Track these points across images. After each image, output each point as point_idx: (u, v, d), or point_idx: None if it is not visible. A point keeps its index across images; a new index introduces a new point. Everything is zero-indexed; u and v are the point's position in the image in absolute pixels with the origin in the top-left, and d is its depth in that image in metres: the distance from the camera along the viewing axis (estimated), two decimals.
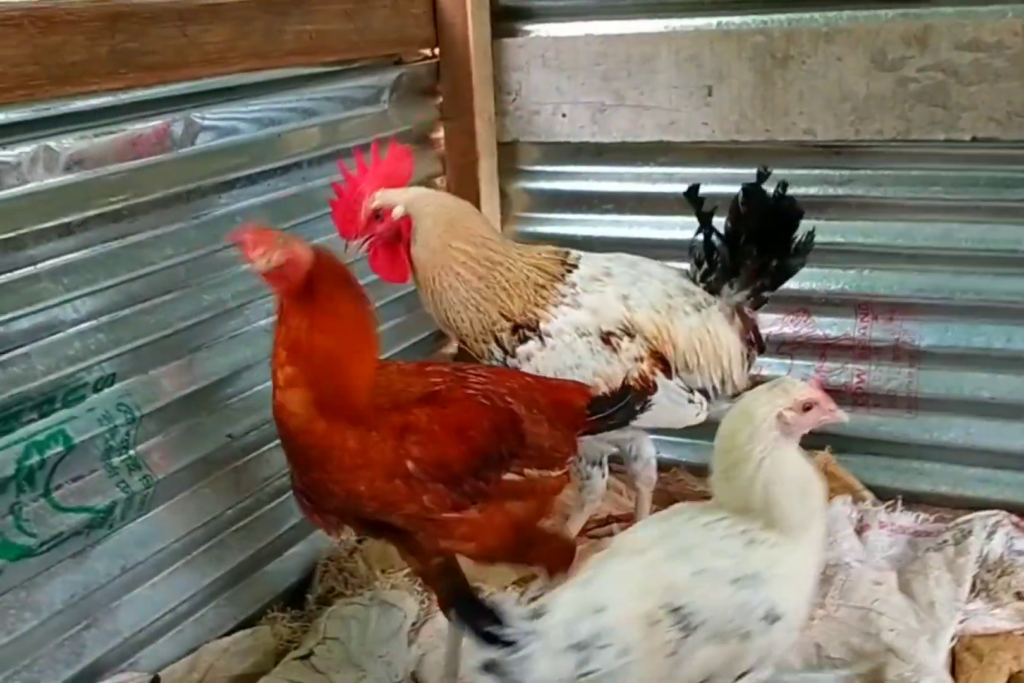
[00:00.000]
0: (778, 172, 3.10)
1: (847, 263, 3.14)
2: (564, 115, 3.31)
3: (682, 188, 3.13)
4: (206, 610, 2.64)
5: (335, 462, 1.96)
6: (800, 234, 2.59)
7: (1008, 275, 2.97)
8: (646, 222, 3.34)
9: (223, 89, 2.63)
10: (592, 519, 3.15)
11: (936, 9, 2.86)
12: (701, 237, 2.64)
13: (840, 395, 3.21)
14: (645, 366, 2.53)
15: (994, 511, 2.91)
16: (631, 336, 2.52)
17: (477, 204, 3.36)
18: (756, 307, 2.71)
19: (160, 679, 2.46)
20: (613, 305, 2.54)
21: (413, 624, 2.62)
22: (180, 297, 2.53)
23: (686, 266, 2.74)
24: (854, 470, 3.18)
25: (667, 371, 2.57)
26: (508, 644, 1.70)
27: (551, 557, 2.27)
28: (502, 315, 2.48)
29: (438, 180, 3.42)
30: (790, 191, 3.08)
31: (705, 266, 2.67)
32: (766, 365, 3.29)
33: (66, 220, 2.26)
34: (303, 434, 1.97)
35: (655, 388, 2.55)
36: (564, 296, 2.51)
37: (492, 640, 1.70)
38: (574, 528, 2.85)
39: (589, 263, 2.61)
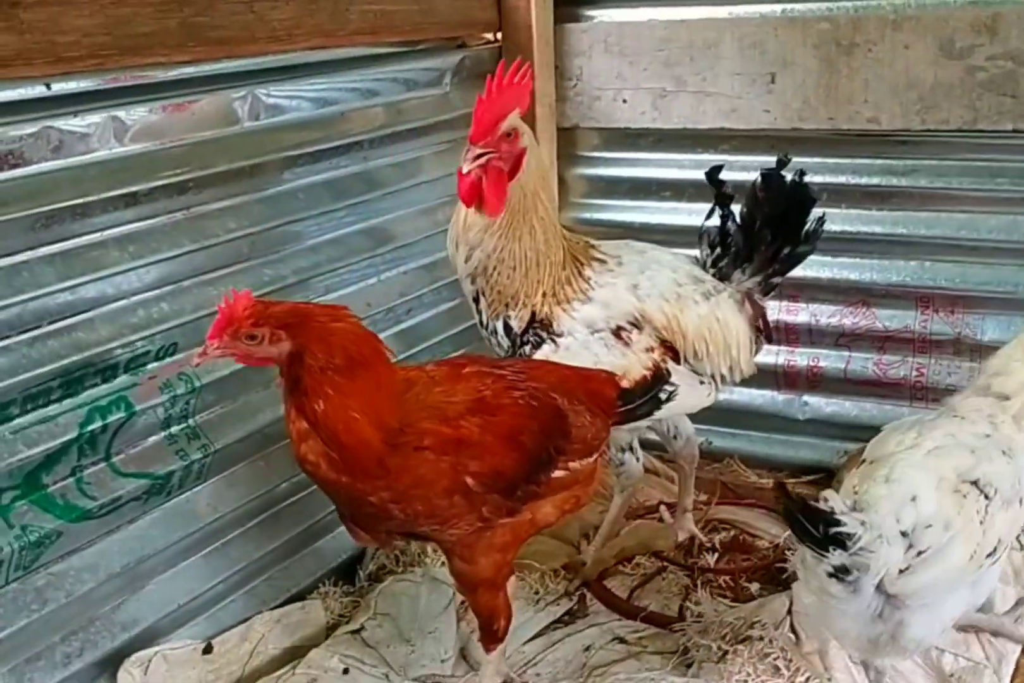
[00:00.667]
0: (840, 161, 3.12)
1: (909, 254, 3.10)
2: (625, 101, 3.31)
3: (746, 176, 3.14)
4: (259, 582, 2.66)
5: (380, 494, 1.94)
6: (811, 221, 2.60)
7: None
8: (703, 210, 3.29)
9: (288, 67, 2.65)
10: (642, 505, 3.15)
11: None
12: (715, 221, 2.66)
13: (899, 389, 3.19)
14: (656, 355, 2.52)
15: None
16: (640, 328, 2.51)
17: None
18: (765, 294, 2.71)
19: (213, 647, 2.48)
20: (624, 297, 2.51)
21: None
22: (241, 270, 2.55)
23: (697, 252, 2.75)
24: None
25: (677, 359, 2.57)
26: (843, 544, 1.88)
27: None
28: (536, 291, 2.45)
29: None
30: (854, 180, 3.10)
31: (718, 250, 2.67)
32: (824, 356, 3.27)
33: (132, 190, 2.29)
34: (331, 483, 1.96)
35: (669, 375, 2.55)
36: (577, 293, 2.48)
37: (828, 545, 1.88)
38: (616, 512, 2.84)
39: (603, 251, 2.60)
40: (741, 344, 2.65)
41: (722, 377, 2.67)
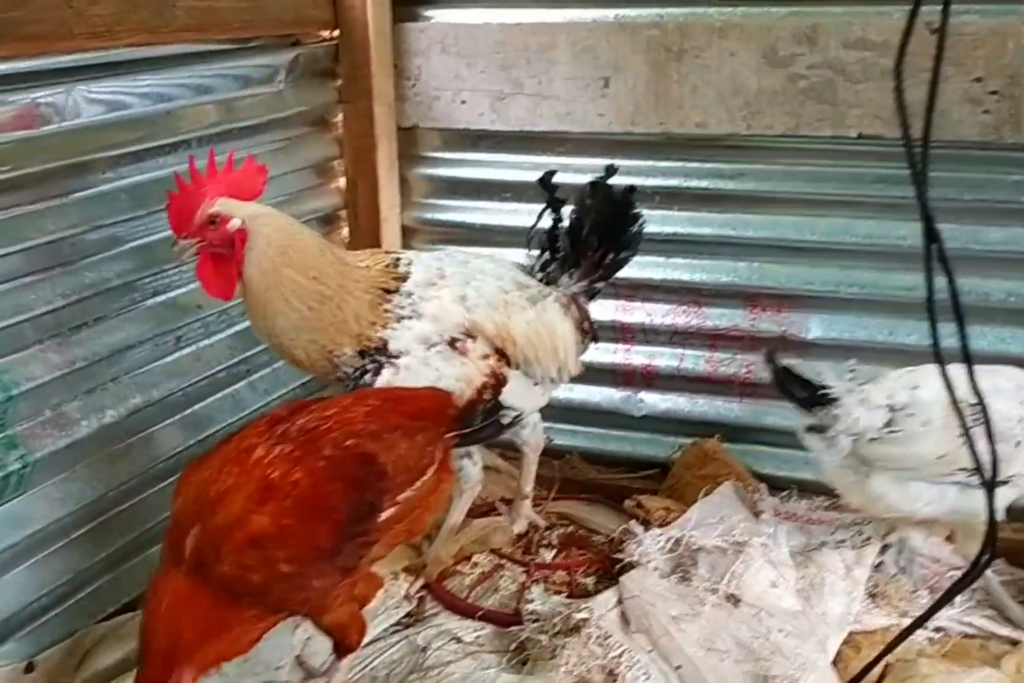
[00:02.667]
0: (671, 164, 3.19)
1: (737, 256, 3.19)
2: (464, 102, 3.32)
3: (581, 178, 3.19)
4: (85, 594, 2.58)
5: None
6: (633, 229, 2.72)
7: (893, 270, 3.04)
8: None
9: (112, 63, 2.57)
10: (484, 501, 3.17)
11: (825, 8, 2.92)
12: (546, 224, 2.73)
13: (730, 385, 3.28)
14: (492, 361, 2.55)
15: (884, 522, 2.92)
16: (473, 338, 2.53)
17: (375, 189, 3.37)
18: (590, 298, 2.79)
19: (35, 665, 2.40)
20: (452, 309, 2.52)
21: None
22: (61, 274, 2.46)
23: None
24: (743, 458, 3.24)
25: (510, 364, 2.61)
26: (826, 404, 2.46)
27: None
28: (338, 344, 2.41)
29: (335, 163, 3.39)
30: (685, 183, 3.18)
31: (547, 255, 2.74)
32: (659, 355, 3.34)
33: None
34: None
35: (506, 380, 2.59)
36: (403, 308, 2.47)
37: (810, 404, 2.49)
38: (457, 516, 2.86)
39: (421, 267, 2.57)
40: (568, 347, 2.71)
41: (552, 378, 2.72)
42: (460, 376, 2.48)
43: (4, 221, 2.33)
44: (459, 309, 2.53)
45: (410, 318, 2.46)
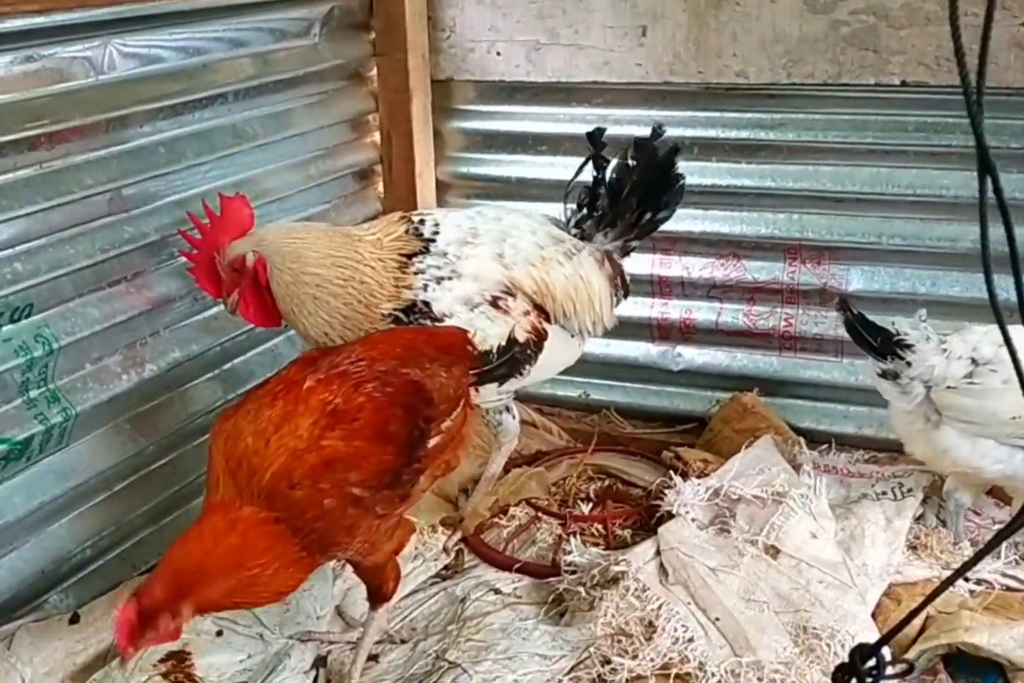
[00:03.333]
0: (710, 115, 3.15)
1: (777, 207, 3.15)
2: (499, 53, 3.28)
3: (618, 130, 3.16)
4: (128, 546, 2.62)
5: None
6: (673, 191, 2.72)
7: (935, 220, 3.00)
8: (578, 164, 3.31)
9: (146, 16, 2.55)
10: (519, 454, 3.17)
11: None
12: (585, 178, 2.74)
13: (768, 339, 3.26)
14: (533, 317, 2.56)
15: (929, 469, 2.88)
16: (513, 296, 2.53)
17: (410, 143, 3.35)
18: (624, 254, 2.79)
19: (80, 617, 2.43)
20: (491, 267, 2.52)
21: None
22: (100, 228, 2.47)
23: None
24: (782, 412, 3.22)
25: (548, 319, 2.62)
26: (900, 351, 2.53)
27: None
28: (371, 320, 2.42)
29: (371, 117, 3.37)
30: (724, 134, 3.14)
31: (584, 211, 2.75)
32: (697, 309, 3.32)
33: None
34: None
35: (546, 335, 2.60)
36: (439, 268, 2.46)
37: (884, 352, 2.55)
38: (494, 468, 2.87)
39: (451, 226, 2.56)
40: (603, 300, 2.72)
41: (588, 331, 2.73)
42: (503, 335, 2.49)
43: (43, 176, 2.34)
44: (498, 267, 2.52)
45: (449, 278, 2.46)
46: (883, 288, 3.10)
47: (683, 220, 3.19)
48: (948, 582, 1.33)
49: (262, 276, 2.39)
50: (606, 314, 2.74)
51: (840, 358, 3.18)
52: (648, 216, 2.73)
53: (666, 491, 2.81)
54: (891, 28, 2.86)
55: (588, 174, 2.79)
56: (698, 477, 2.86)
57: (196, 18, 2.71)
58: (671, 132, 3.13)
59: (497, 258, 2.53)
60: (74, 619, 2.39)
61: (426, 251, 2.48)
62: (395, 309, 2.42)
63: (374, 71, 3.34)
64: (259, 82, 2.93)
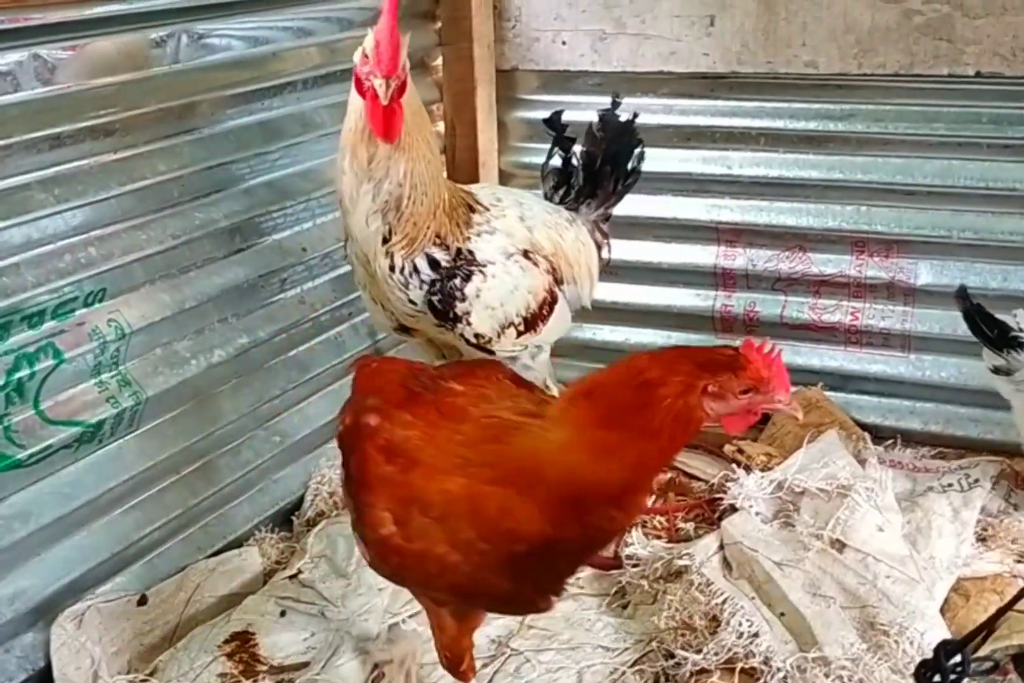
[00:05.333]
0: (778, 105, 3.12)
1: (844, 199, 3.10)
2: (564, 43, 3.26)
3: (684, 120, 3.15)
4: (194, 529, 2.64)
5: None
6: (635, 157, 2.86)
7: (1007, 214, 2.95)
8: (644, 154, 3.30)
9: (218, 4, 2.58)
10: None
11: None
12: (557, 162, 2.86)
13: (834, 333, 3.22)
14: (551, 278, 2.65)
15: (996, 458, 2.89)
16: (537, 253, 2.61)
17: (474, 133, 3.36)
18: (605, 221, 2.91)
19: (147, 598, 2.47)
20: (518, 226, 2.60)
21: None
22: (172, 214, 2.50)
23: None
24: (846, 407, 3.19)
25: (559, 282, 2.71)
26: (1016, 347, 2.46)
27: None
28: (448, 219, 2.43)
29: (435, 107, 3.37)
30: (792, 125, 3.12)
31: (564, 189, 2.85)
32: (761, 301, 3.28)
33: (57, 131, 2.23)
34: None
35: (557, 299, 2.68)
36: (482, 224, 2.53)
37: (1000, 346, 2.48)
38: None
39: (480, 192, 2.65)
40: (594, 269, 2.84)
41: (581, 299, 2.83)
42: (530, 288, 2.56)
43: (117, 162, 2.37)
44: (522, 227, 2.61)
45: (490, 233, 2.52)
46: (952, 283, 3.00)
47: (748, 211, 3.18)
48: None
49: (405, 84, 2.27)
50: (595, 284, 2.87)
51: (907, 353, 3.14)
52: (621, 182, 2.86)
53: (729, 484, 2.79)
54: (966, 18, 2.81)
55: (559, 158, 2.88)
56: (761, 470, 2.83)
57: (264, 7, 2.73)
58: (739, 122, 3.15)
59: (519, 220, 2.62)
60: (142, 601, 2.43)
61: (477, 209, 2.57)
62: (453, 240, 2.43)
63: (439, 61, 3.34)
64: (326, 71, 2.94)
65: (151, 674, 2.27)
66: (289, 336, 2.86)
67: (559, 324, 2.71)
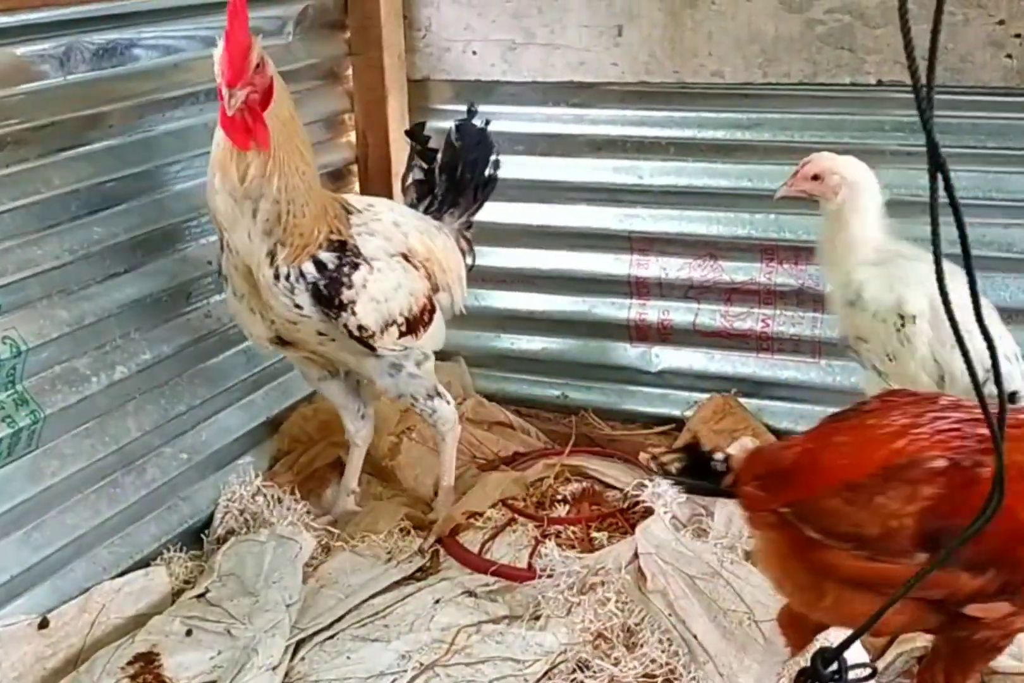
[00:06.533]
0: (686, 115, 3.14)
1: (754, 207, 3.13)
2: (475, 53, 3.26)
3: (595, 130, 3.16)
4: (98, 549, 2.58)
5: None
6: (491, 163, 2.93)
7: (915, 223, 2.90)
8: (555, 164, 3.31)
9: (116, 15, 2.54)
10: (497, 456, 3.17)
11: None
12: (418, 174, 2.90)
13: (746, 340, 3.25)
14: (429, 283, 2.69)
15: None
16: (415, 257, 2.64)
17: (386, 143, 3.34)
18: (468, 229, 2.96)
19: (49, 621, 2.40)
20: (394, 231, 2.62)
21: (312, 559, 2.61)
22: (70, 229, 2.45)
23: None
24: (759, 413, 3.22)
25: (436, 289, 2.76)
26: None
27: None
28: (329, 220, 2.44)
29: (346, 117, 3.35)
30: (700, 134, 3.14)
31: (427, 200, 2.89)
32: (674, 309, 3.30)
33: None
34: None
35: (435, 306, 2.73)
36: (360, 225, 2.54)
37: None
38: (448, 463, 2.90)
39: (352, 198, 2.68)
40: (464, 276, 2.90)
41: (451, 309, 2.86)
42: (412, 290, 2.60)
43: (11, 175, 2.32)
44: (398, 232, 2.63)
45: (370, 234, 2.54)
46: None
47: (660, 220, 3.20)
48: (910, 584, 1.32)
49: (270, 94, 2.25)
50: (464, 291, 2.90)
51: (817, 359, 3.17)
52: (481, 190, 2.92)
53: (645, 485, 2.81)
54: (867, 27, 2.86)
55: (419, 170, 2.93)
56: None
57: (168, 17, 2.69)
58: (648, 132, 3.16)
59: (395, 225, 2.63)
60: (43, 624, 2.37)
61: (353, 211, 2.58)
62: (329, 237, 2.43)
63: (349, 70, 3.33)
64: None
65: None
66: (196, 350, 2.82)
67: (438, 334, 2.76)
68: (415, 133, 2.91)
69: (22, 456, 2.37)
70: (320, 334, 2.50)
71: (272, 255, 2.36)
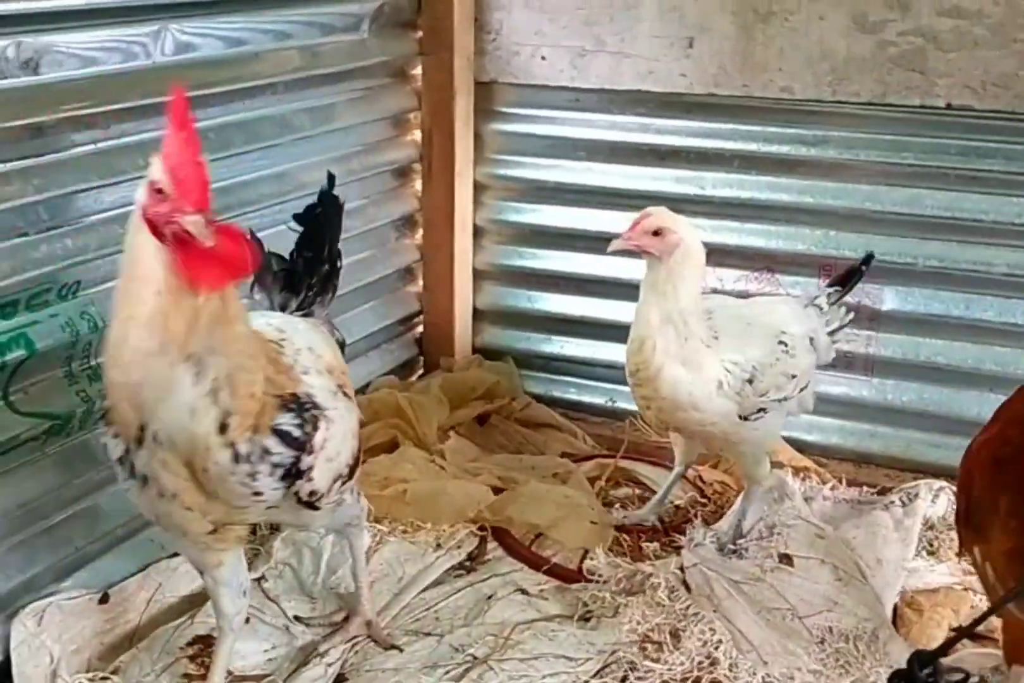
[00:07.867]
0: (752, 128, 3.16)
1: (814, 223, 3.16)
2: (543, 58, 3.29)
3: (659, 139, 3.18)
4: (156, 527, 2.59)
5: None
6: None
7: (972, 244, 3.02)
8: (617, 171, 3.34)
9: (201, 3, 2.56)
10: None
11: None
12: (291, 266, 2.37)
13: None
14: (357, 409, 2.20)
15: (938, 480, 2.97)
16: (336, 378, 2.14)
17: (451, 143, 3.37)
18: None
19: (109, 597, 2.42)
20: (310, 357, 2.08)
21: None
22: None
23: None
24: (809, 429, 3.25)
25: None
26: None
27: None
28: (272, 366, 1.92)
29: (412, 115, 3.39)
30: (765, 148, 3.17)
31: (303, 293, 2.36)
32: None
33: (36, 120, 2.20)
34: None
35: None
36: (292, 366, 2.00)
37: None
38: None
39: (263, 325, 2.08)
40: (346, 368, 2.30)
41: None
42: (353, 430, 2.12)
43: (99, 153, 2.35)
44: (313, 355, 2.10)
45: (305, 373, 2.02)
46: (916, 309, 3.11)
47: (719, 231, 3.21)
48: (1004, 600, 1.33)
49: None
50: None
51: (870, 376, 3.19)
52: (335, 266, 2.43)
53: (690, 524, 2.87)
54: (939, 50, 2.88)
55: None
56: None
57: (249, 8, 2.72)
58: (713, 144, 3.19)
59: (309, 350, 2.10)
60: (104, 599, 2.39)
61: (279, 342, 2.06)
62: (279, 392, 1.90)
63: (419, 70, 3.36)
64: (306, 75, 2.94)
65: (112, 673, 2.23)
66: None
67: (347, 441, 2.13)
68: (304, 216, 2.39)
69: (93, 430, 2.39)
70: (268, 508, 1.96)
71: (224, 428, 1.77)
